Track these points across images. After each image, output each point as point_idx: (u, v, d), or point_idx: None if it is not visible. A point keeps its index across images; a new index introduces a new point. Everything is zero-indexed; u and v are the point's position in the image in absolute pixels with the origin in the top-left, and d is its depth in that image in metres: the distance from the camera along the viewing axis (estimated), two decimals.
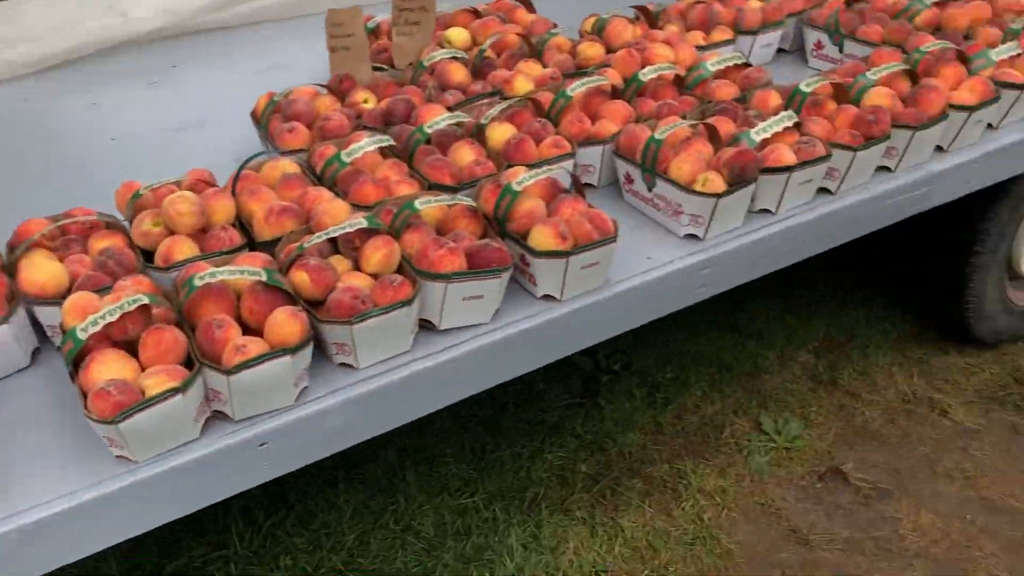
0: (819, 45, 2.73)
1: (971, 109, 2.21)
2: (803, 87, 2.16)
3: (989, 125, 2.37)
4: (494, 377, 1.80)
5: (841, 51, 2.68)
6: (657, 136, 2.00)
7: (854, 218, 2.17)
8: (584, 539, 2.37)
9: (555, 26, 2.73)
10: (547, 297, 1.82)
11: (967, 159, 2.29)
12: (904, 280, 3.26)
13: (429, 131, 2.05)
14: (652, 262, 1.95)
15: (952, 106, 2.20)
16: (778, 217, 2.07)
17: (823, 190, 2.14)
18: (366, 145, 1.99)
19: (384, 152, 2.10)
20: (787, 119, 2.07)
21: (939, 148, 2.29)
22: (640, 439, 2.71)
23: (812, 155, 2.02)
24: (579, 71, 2.45)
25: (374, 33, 2.74)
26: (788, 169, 1.99)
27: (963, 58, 2.37)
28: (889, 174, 2.21)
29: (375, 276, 1.70)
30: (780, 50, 2.87)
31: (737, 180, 1.94)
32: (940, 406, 2.85)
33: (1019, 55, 2.38)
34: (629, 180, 2.12)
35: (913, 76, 2.28)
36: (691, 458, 2.64)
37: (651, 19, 2.73)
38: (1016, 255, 2.87)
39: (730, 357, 3.01)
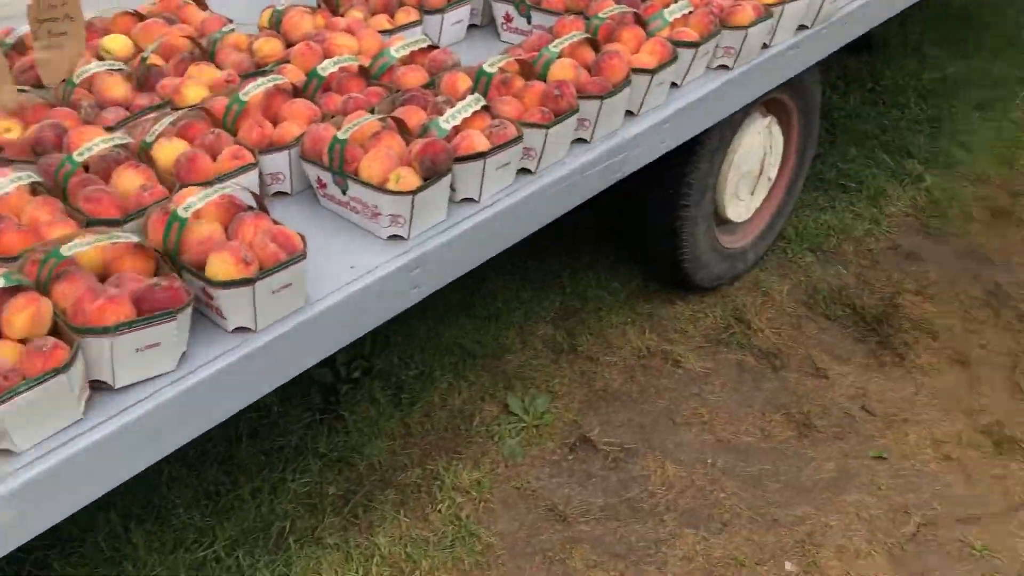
0: (508, 18, 2.70)
1: (653, 72, 2.24)
2: (487, 68, 2.10)
3: (674, 84, 2.43)
4: (190, 430, 1.61)
5: (529, 22, 2.65)
6: (340, 136, 1.87)
7: (558, 194, 2.15)
8: (339, 566, 2.23)
9: (230, 22, 2.51)
10: (241, 329, 1.65)
11: (657, 120, 2.33)
12: (627, 240, 3.34)
13: (80, 159, 1.79)
14: (356, 271, 1.83)
15: (635, 70, 2.23)
16: (482, 205, 2.00)
17: (524, 171, 2.10)
18: (5, 184, 1.72)
19: (35, 189, 1.82)
20: (475, 103, 2.00)
21: (630, 113, 2.31)
22: (389, 446, 2.60)
23: (504, 138, 1.96)
24: (258, 71, 2.26)
25: (16, 49, 2.39)
26: (482, 155, 1.92)
27: (641, 20, 2.41)
28: (586, 146, 2.21)
29: (24, 342, 1.46)
30: (473, 26, 2.81)
31: (431, 174, 1.85)
32: (673, 356, 2.96)
33: (691, 12, 2.46)
34: (322, 184, 1.97)
35: (595, 44, 2.29)
36: (443, 456, 2.57)
37: (332, 6, 2.57)
38: (720, 202, 3.01)
39: (472, 342, 2.96)
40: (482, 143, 1.94)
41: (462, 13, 2.68)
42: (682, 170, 2.75)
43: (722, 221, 3.11)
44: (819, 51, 2.87)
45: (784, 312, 3.17)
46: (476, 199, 2.00)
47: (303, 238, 1.69)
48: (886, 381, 2.89)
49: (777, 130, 3.11)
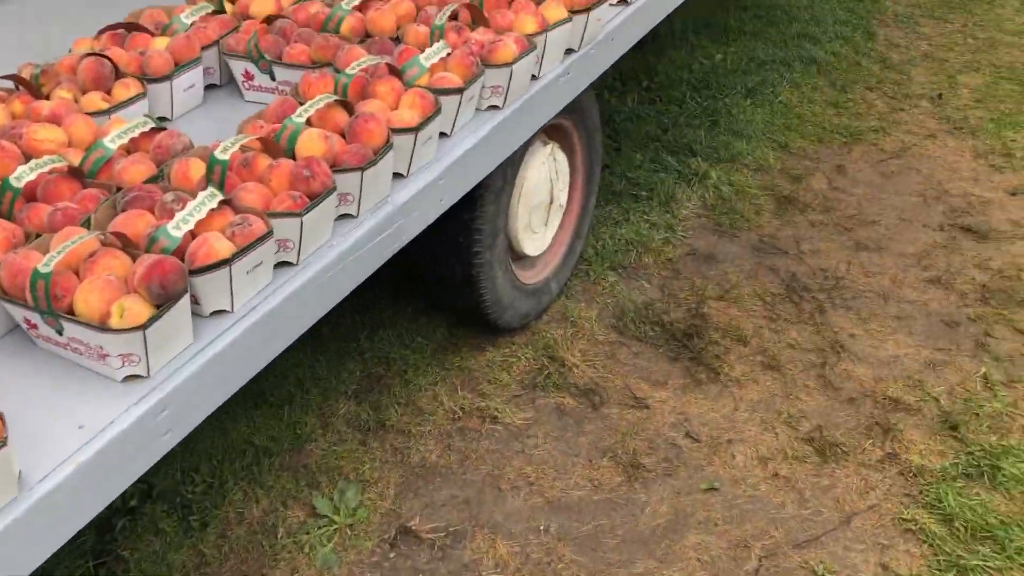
0: (248, 76, 2.38)
1: (416, 129, 2.01)
2: (219, 154, 1.79)
3: (443, 134, 2.21)
4: None
5: (274, 79, 2.36)
6: (42, 269, 1.52)
7: (330, 281, 1.88)
8: None
9: None
10: None
11: (430, 179, 2.10)
12: (427, 291, 3.11)
13: None
14: (87, 430, 1.49)
15: (395, 131, 1.98)
16: (237, 315, 1.71)
17: (285, 263, 1.82)
18: None
19: None
20: (210, 199, 1.69)
21: (399, 175, 2.07)
22: None
23: (250, 237, 1.67)
24: None
25: None
26: (226, 263, 1.63)
27: (396, 71, 2.17)
28: (353, 221, 1.95)
29: None
30: (212, 86, 2.48)
31: (162, 300, 1.54)
32: (489, 413, 2.75)
33: (450, 55, 2.24)
34: (32, 326, 1.61)
35: (347, 105, 2.03)
36: None
37: (32, 88, 2.17)
38: (514, 239, 2.84)
39: (265, 438, 2.64)
40: (224, 248, 1.64)
41: (194, 76, 2.33)
42: (469, 217, 2.55)
43: (519, 257, 2.94)
44: (592, 72, 2.73)
45: (596, 341, 3.04)
46: (230, 309, 1.71)
47: (2, 417, 1.35)
48: (705, 400, 2.81)
49: (561, 155, 2.97)
